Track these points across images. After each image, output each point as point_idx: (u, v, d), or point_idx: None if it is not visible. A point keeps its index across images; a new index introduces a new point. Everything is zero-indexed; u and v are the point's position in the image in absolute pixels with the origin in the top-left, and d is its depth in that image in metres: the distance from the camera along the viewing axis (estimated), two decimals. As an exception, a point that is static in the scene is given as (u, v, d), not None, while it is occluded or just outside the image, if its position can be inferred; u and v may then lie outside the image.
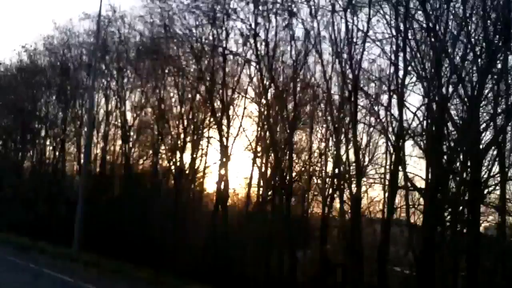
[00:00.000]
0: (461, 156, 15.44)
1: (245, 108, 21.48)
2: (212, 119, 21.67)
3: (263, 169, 20.90)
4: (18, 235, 27.13)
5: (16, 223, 29.17)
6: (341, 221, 17.59)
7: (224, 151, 20.47)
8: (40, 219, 28.49)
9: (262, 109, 20.13)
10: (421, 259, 14.89)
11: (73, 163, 30.51)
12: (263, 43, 18.49)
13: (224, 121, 21.11)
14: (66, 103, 30.00)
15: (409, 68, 15.94)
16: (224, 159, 20.82)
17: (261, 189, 21.07)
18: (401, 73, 15.93)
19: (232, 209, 22.77)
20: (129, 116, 26.30)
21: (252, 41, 18.52)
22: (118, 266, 19.83)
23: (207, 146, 22.94)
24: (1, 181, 34.02)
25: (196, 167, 23.39)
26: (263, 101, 19.72)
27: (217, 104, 21.34)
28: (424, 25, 15.52)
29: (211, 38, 20.61)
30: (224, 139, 20.68)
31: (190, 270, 19.35)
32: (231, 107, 21.09)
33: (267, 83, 18.91)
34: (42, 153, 32.04)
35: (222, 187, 20.84)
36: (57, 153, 31.06)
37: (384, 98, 17.39)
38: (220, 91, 21.16)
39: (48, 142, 31.93)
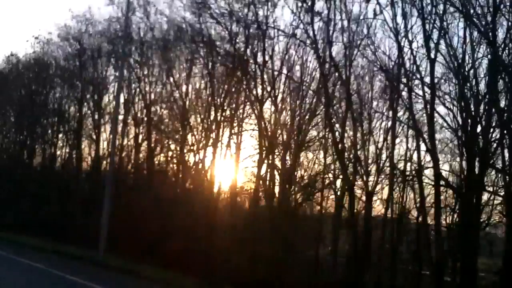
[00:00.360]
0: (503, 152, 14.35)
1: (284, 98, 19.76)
2: (253, 106, 19.68)
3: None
4: (27, 235, 25.05)
5: (25, 222, 27.06)
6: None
7: (269, 143, 18.47)
8: (51, 219, 26.28)
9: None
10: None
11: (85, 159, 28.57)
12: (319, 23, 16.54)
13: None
14: (81, 96, 27.97)
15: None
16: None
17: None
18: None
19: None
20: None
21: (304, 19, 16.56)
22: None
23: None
24: (10, 178, 31.91)
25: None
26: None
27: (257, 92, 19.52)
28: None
29: (250, 17, 18.83)
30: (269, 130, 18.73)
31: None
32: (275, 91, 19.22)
33: (326, 67, 16.90)
34: (55, 148, 30.01)
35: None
36: (67, 149, 29.32)
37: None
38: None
39: (60, 136, 30.08)
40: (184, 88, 23.00)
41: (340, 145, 16.86)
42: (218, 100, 21.71)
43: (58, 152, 30.33)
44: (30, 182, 29.94)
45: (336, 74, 16.63)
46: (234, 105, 21.59)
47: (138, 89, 24.50)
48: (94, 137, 27.04)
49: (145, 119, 24.35)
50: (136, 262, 18.63)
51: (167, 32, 23.04)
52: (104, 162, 26.46)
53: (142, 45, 24.07)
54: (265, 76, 19.78)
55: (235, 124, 21.33)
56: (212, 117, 22.24)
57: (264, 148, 19.70)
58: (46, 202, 27.54)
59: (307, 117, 19.66)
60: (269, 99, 19.27)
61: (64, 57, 28.76)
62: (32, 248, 22.07)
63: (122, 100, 25.39)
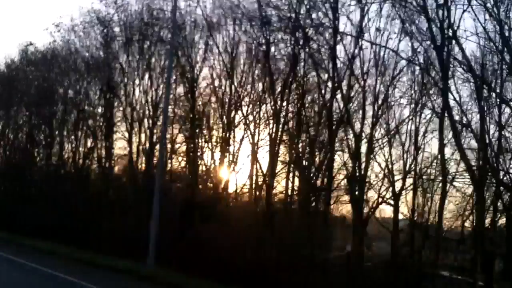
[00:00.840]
0: None
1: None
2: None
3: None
4: (46, 241, 22.35)
5: (43, 227, 24.25)
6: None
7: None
8: (74, 224, 23.26)
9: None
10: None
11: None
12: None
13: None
14: (109, 88, 24.89)
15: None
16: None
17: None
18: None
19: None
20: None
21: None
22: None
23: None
24: (24, 179, 29.04)
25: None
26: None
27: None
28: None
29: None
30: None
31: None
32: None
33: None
34: (77, 147, 27.10)
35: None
36: (81, 149, 26.62)
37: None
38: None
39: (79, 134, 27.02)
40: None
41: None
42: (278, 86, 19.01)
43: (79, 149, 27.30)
44: (47, 183, 27.13)
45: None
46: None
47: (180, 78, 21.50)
48: (127, 134, 24.02)
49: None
50: (191, 276, 15.71)
51: (212, 11, 20.37)
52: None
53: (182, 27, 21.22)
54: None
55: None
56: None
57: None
58: (69, 205, 24.53)
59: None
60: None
61: (88, 45, 25.88)
62: (62, 258, 19.12)
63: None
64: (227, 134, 20.70)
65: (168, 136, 21.98)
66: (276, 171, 19.40)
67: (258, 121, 19.92)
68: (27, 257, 18.37)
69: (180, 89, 22.03)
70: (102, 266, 17.37)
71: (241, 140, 20.68)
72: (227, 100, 20.69)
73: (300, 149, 19.00)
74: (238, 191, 20.89)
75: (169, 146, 22.72)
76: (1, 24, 55.73)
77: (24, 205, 26.55)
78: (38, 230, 24.10)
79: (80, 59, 26.64)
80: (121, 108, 24.54)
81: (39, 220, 24.60)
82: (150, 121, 23.30)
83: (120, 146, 25.06)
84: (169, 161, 22.88)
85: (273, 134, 19.04)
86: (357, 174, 16.32)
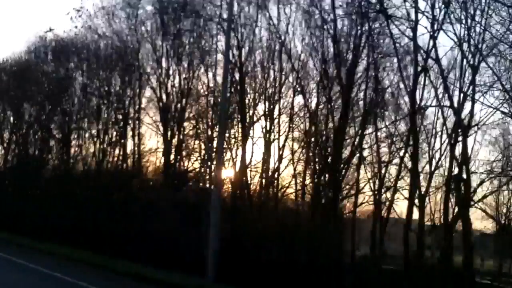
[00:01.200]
0: None
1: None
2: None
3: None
4: (71, 247, 20.06)
5: (45, 227, 22.40)
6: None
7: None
8: (94, 227, 20.76)
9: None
10: None
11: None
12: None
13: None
14: (139, 78, 22.47)
15: None
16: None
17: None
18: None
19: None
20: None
21: None
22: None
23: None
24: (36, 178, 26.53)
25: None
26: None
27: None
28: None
29: None
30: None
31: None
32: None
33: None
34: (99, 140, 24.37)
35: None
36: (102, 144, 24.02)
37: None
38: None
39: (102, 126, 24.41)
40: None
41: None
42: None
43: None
44: (57, 182, 24.77)
45: None
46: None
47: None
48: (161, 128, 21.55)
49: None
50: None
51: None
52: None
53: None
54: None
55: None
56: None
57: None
58: (94, 206, 21.95)
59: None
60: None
61: (113, 30, 23.17)
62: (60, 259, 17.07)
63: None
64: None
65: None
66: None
67: (320, 110, 17.40)
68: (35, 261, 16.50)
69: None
70: (157, 281, 14.78)
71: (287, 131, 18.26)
72: (274, 86, 18.19)
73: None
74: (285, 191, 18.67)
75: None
76: (17, 14, 53.32)
77: (28, 205, 24.45)
78: (41, 231, 22.27)
79: (104, 45, 24.12)
80: (148, 96, 22.34)
81: (42, 221, 22.65)
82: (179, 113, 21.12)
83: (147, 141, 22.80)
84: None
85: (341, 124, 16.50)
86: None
